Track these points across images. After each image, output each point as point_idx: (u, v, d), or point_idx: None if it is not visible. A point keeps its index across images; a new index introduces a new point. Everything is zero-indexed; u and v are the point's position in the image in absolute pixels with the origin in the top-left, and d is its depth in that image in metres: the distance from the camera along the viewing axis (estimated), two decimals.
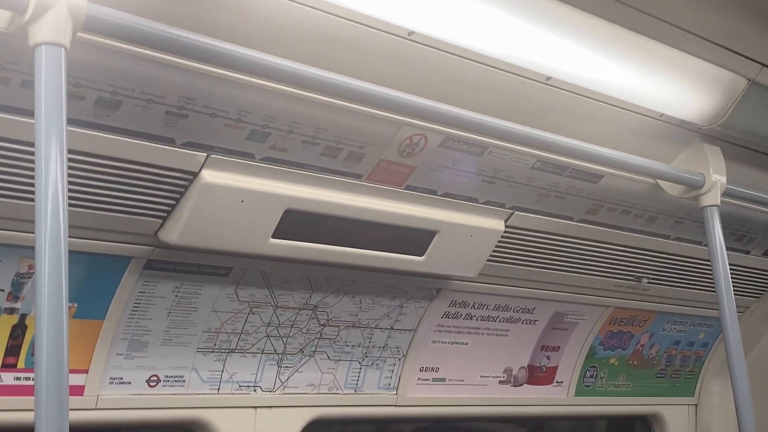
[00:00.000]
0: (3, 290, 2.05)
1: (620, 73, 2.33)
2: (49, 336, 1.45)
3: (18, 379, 2.13)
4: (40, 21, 1.46)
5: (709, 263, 2.79)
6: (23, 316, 2.10)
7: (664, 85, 2.44)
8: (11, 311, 2.08)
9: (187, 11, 1.73)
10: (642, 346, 3.62)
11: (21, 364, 2.13)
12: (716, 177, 2.69)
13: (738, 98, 2.52)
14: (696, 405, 3.97)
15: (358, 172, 2.26)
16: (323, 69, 1.90)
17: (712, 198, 2.70)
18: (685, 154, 2.75)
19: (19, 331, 2.11)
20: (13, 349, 2.11)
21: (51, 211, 1.47)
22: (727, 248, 2.77)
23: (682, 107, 2.53)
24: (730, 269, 2.77)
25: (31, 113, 1.54)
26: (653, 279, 3.25)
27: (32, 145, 1.50)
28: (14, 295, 2.07)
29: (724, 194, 2.73)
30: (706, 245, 2.78)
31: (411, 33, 2.00)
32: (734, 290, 2.76)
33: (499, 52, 2.13)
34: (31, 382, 2.13)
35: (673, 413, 3.87)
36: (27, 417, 2.09)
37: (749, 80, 2.49)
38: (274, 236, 2.20)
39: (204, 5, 1.76)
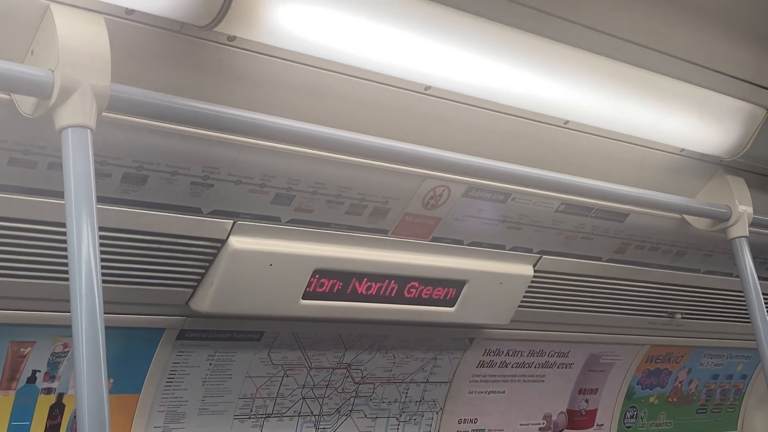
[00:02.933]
0: (40, 371, 2.06)
1: (638, 111, 2.34)
2: (91, 415, 1.44)
3: None
4: (65, 105, 1.49)
5: (741, 294, 2.76)
6: (60, 396, 2.10)
7: (683, 120, 2.44)
8: (49, 391, 2.09)
9: (205, 83, 1.76)
10: (680, 382, 3.57)
11: None
12: (743, 208, 2.68)
13: (758, 129, 2.52)
14: None
15: (384, 228, 2.27)
16: (343, 129, 1.91)
17: (740, 229, 2.68)
18: (709, 187, 2.74)
19: (57, 410, 2.11)
20: (52, 429, 2.11)
21: (86, 290, 1.47)
22: (762, 278, 2.74)
23: (702, 141, 2.53)
24: (764, 298, 2.74)
25: (59, 194, 1.56)
26: (687, 314, 3.22)
27: (61, 225, 1.52)
28: (51, 375, 2.07)
29: (752, 224, 2.71)
30: (737, 276, 2.75)
31: (428, 88, 2.02)
32: None
33: (515, 99, 2.14)
34: None
35: None
36: None
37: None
38: (304, 297, 2.20)
39: (222, 75, 1.78)
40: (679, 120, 2.42)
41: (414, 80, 1.99)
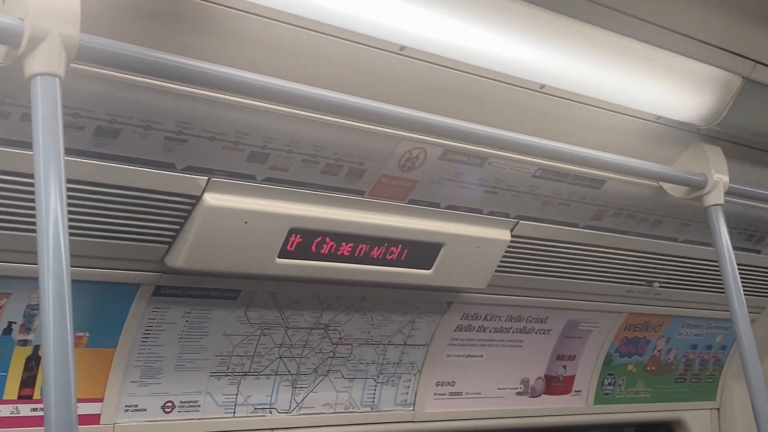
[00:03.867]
0: (16, 322, 2.08)
1: (614, 78, 2.35)
2: (57, 366, 1.46)
3: (35, 410, 2.16)
4: (35, 53, 1.50)
5: (718, 264, 2.79)
6: (36, 347, 2.13)
7: (660, 87, 2.45)
8: (24, 343, 2.11)
9: (180, 36, 1.77)
10: (659, 351, 3.61)
11: (37, 395, 2.15)
12: (718, 176, 2.70)
13: (734, 97, 2.53)
14: (718, 409, 3.94)
15: (360, 189, 2.29)
16: (318, 88, 1.93)
17: (716, 197, 2.70)
18: (686, 155, 2.76)
19: (33, 362, 2.13)
20: (28, 381, 2.14)
21: (52, 240, 1.49)
22: (738, 248, 2.77)
23: (679, 109, 2.55)
24: (742, 270, 2.77)
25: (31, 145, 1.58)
26: (664, 283, 3.25)
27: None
28: (27, 327, 2.10)
29: (728, 193, 2.73)
30: (713, 246, 2.78)
31: (402, 48, 2.04)
32: (747, 291, 2.76)
33: (491, 62, 2.16)
34: None
35: (696, 418, 3.84)
36: None
37: (744, 78, 2.50)
38: (280, 256, 2.23)
39: (197, 30, 1.80)
40: (655, 87, 2.44)
41: (389, 40, 2.01)
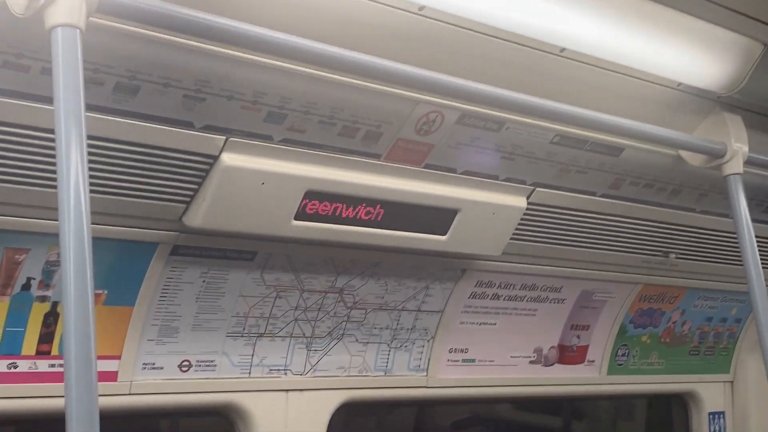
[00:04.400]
0: (35, 278, 2.10)
1: (635, 42, 2.34)
2: (77, 322, 1.47)
3: (53, 366, 2.18)
4: (55, 4, 1.51)
5: (736, 236, 2.78)
6: (55, 304, 2.15)
7: (681, 53, 2.44)
8: (43, 299, 2.13)
9: None
10: (674, 323, 3.61)
11: (55, 351, 2.18)
12: (737, 145, 2.68)
13: (755, 64, 2.51)
14: (732, 382, 3.95)
15: (377, 152, 2.29)
16: (337, 46, 1.92)
17: (735, 166, 2.68)
18: (706, 123, 2.74)
19: (51, 318, 2.16)
20: (46, 337, 2.16)
21: (73, 196, 1.50)
22: (756, 220, 2.75)
23: (699, 75, 2.53)
24: (760, 241, 2.75)
25: (52, 100, 1.59)
26: (681, 254, 3.24)
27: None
28: (45, 283, 2.12)
29: (747, 162, 2.72)
30: (732, 217, 2.77)
31: (422, 8, 2.03)
32: (765, 263, 2.75)
33: (511, 24, 2.14)
34: None
35: (709, 390, 3.85)
36: (62, 403, 2.15)
37: (765, 45, 2.48)
38: (296, 218, 2.24)
39: None
40: (677, 52, 2.42)
41: None
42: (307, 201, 2.23)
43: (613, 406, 4.36)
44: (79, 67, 1.52)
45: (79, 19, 1.52)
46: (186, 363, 2.40)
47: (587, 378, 3.38)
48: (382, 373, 2.81)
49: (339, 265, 2.57)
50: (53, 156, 1.81)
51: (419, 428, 3.92)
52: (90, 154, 1.56)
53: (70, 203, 1.50)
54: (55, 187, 1.87)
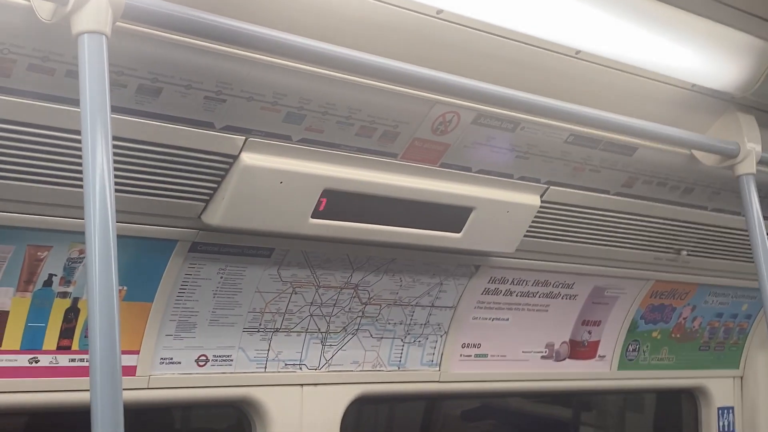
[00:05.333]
0: (56, 275, 2.14)
1: (650, 44, 2.35)
2: (102, 318, 1.51)
3: (73, 360, 2.22)
4: (82, 11, 1.54)
5: (747, 233, 2.79)
6: (76, 300, 2.18)
7: (695, 55, 2.45)
8: (64, 295, 2.17)
9: None
10: (684, 318, 3.63)
11: (75, 346, 2.21)
12: (751, 145, 2.70)
13: None
14: (741, 377, 3.97)
15: (393, 151, 2.31)
16: (355, 50, 1.95)
17: (748, 166, 2.70)
18: (719, 123, 2.76)
19: (72, 314, 2.19)
20: (67, 332, 2.20)
21: (99, 195, 1.53)
22: (766, 218, 2.77)
23: (714, 77, 2.54)
24: None
25: (76, 102, 1.62)
26: (692, 251, 3.26)
27: (78, 132, 1.57)
28: (66, 280, 2.15)
29: (760, 162, 2.73)
30: (743, 215, 2.78)
31: (440, 11, 2.05)
32: None
33: (528, 27, 2.16)
34: (85, 364, 2.22)
35: (718, 386, 3.87)
36: (82, 397, 2.17)
37: None
38: (313, 216, 2.26)
39: None
40: (691, 54, 2.43)
41: (426, 3, 2.02)
42: (325, 199, 2.25)
43: (622, 400, 4.38)
44: (105, 72, 1.55)
45: (105, 26, 1.54)
46: (203, 358, 2.44)
47: (598, 373, 3.40)
48: (396, 368, 2.85)
49: (355, 262, 2.60)
50: (76, 156, 1.86)
51: (429, 418, 3.95)
52: (113, 154, 1.59)
53: (95, 202, 1.53)
54: (77, 186, 1.93)
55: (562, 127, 2.46)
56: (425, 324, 2.88)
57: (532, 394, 3.53)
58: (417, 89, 2.15)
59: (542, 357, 3.23)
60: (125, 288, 2.23)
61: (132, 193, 2.05)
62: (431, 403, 3.84)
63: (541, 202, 2.67)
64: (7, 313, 2.10)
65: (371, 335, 2.77)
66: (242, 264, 2.40)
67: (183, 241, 2.25)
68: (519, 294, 3.05)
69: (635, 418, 4.45)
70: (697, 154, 2.76)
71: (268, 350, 2.56)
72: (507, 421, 4.32)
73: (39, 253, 2.08)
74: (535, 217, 2.69)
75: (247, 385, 2.52)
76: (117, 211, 1.57)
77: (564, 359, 3.29)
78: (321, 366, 2.67)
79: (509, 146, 2.47)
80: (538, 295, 3.10)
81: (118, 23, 1.63)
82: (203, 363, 2.44)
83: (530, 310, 3.12)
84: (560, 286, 3.14)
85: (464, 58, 2.18)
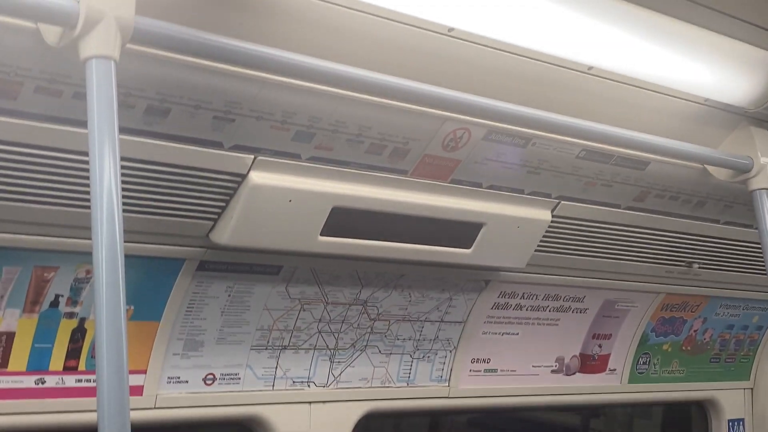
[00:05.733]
0: (63, 295, 2.11)
1: (663, 59, 2.33)
2: (109, 338, 1.50)
3: (79, 381, 2.20)
4: (90, 35, 1.51)
5: (759, 246, 2.77)
6: (82, 320, 2.16)
7: (708, 69, 2.43)
8: (71, 315, 2.14)
9: (230, 17, 1.77)
10: (695, 331, 3.60)
11: (82, 366, 2.19)
12: (765, 160, 2.67)
13: None
14: (752, 389, 3.94)
15: (404, 168, 2.29)
16: (365, 69, 1.92)
17: (762, 181, 2.67)
18: (732, 138, 2.73)
19: (79, 334, 2.17)
20: (73, 353, 2.17)
21: (107, 217, 1.52)
22: None
23: (727, 91, 2.52)
24: None
25: (83, 123, 1.59)
26: (704, 264, 3.23)
27: (86, 154, 1.55)
28: (73, 300, 2.13)
29: None
30: (756, 228, 2.75)
31: (451, 30, 2.02)
32: None
33: (540, 43, 2.14)
34: (92, 384, 2.19)
35: (729, 397, 3.84)
36: (89, 417, 2.17)
37: None
38: (322, 234, 2.24)
39: (247, 12, 1.79)
40: (703, 69, 2.41)
41: (437, 21, 1.99)
42: (334, 217, 2.23)
43: (631, 411, 4.36)
44: (113, 96, 1.53)
45: (113, 50, 1.52)
46: (210, 376, 2.41)
47: (608, 387, 3.38)
48: (405, 384, 2.82)
49: (363, 278, 2.58)
50: (83, 177, 1.84)
51: (437, 426, 3.93)
52: (120, 174, 1.57)
53: (103, 223, 1.52)
54: (83, 206, 1.91)
55: (574, 142, 2.44)
56: (434, 339, 2.85)
57: (542, 408, 3.50)
58: (428, 107, 2.12)
59: (552, 371, 3.20)
60: (132, 307, 2.21)
61: (140, 213, 2.02)
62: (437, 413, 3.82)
63: (552, 216, 2.65)
64: (13, 334, 2.07)
65: (380, 351, 2.74)
66: (250, 282, 2.38)
67: (191, 260, 2.23)
68: (529, 308, 3.02)
69: (645, 428, 4.42)
70: (710, 168, 2.73)
71: (276, 368, 2.53)
72: (514, 428, 4.31)
73: (45, 274, 2.06)
74: (546, 231, 2.67)
75: (255, 403, 2.50)
76: (125, 231, 1.55)
77: (574, 373, 3.26)
78: (329, 383, 2.65)
79: (520, 161, 2.44)
80: (548, 309, 3.07)
81: (127, 46, 1.60)
82: (211, 382, 2.42)
83: (540, 324, 3.10)
84: (571, 299, 3.11)
85: (476, 75, 2.16)
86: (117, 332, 1.50)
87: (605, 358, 3.34)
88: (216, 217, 2.13)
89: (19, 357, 2.10)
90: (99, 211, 1.52)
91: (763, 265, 2.78)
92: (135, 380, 2.27)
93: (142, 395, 2.29)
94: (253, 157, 2.05)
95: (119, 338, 1.50)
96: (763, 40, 2.39)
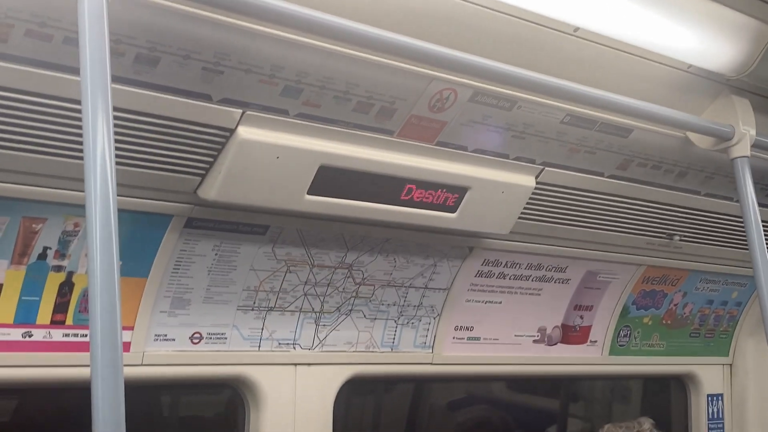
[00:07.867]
0: (51, 248, 2.12)
1: (647, 23, 2.35)
2: (103, 292, 1.51)
3: (66, 335, 2.20)
4: None
5: (740, 220, 2.80)
6: (70, 274, 2.17)
7: (692, 35, 2.45)
8: (59, 269, 2.15)
9: None
10: (675, 305, 3.64)
11: (69, 320, 2.20)
12: (745, 128, 2.70)
13: (765, 47, 2.53)
14: (731, 365, 3.99)
15: (390, 128, 2.30)
16: (353, 21, 1.94)
17: (742, 149, 2.70)
18: (714, 106, 2.76)
19: (66, 288, 2.18)
20: (61, 306, 2.18)
21: (100, 167, 1.52)
22: (763, 205, 2.77)
23: (710, 57, 2.54)
24: (766, 225, 2.78)
25: (74, 70, 1.60)
26: (685, 236, 3.26)
27: (76, 102, 1.56)
28: (61, 253, 2.13)
29: (754, 146, 2.73)
30: (737, 201, 2.78)
31: None
32: None
33: (526, 2, 2.16)
34: (79, 339, 2.20)
35: (708, 373, 3.89)
36: (76, 372, 2.18)
37: None
38: (309, 192, 2.25)
39: None
40: (688, 33, 2.43)
41: None
42: (321, 175, 2.24)
43: (610, 389, 4.39)
44: (105, 34, 1.54)
45: None
46: (197, 335, 2.43)
47: (589, 358, 3.41)
48: (389, 349, 2.84)
49: (349, 241, 2.60)
50: (73, 126, 1.85)
51: (418, 405, 3.94)
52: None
53: (96, 173, 1.52)
54: (72, 156, 1.92)
55: (559, 106, 2.46)
56: (419, 306, 2.88)
57: (523, 378, 3.53)
58: (414, 64, 2.14)
59: (534, 341, 3.23)
60: (120, 263, 2.20)
61: (128, 165, 2.03)
62: (420, 389, 3.83)
63: (536, 183, 2.67)
64: (1, 285, 2.08)
65: (365, 316, 2.76)
66: (237, 241, 2.39)
67: (178, 216, 2.24)
68: (512, 277, 3.05)
69: (623, 405, 4.46)
70: (692, 136, 2.76)
71: (263, 329, 2.55)
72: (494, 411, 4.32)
73: (34, 225, 2.07)
74: (530, 198, 2.69)
75: (241, 363, 2.51)
76: None
77: (556, 344, 3.29)
78: (315, 346, 2.66)
79: (505, 125, 2.46)
80: (531, 279, 3.10)
81: None
82: (197, 340, 2.43)
83: (523, 293, 3.12)
84: (553, 269, 3.14)
85: (462, 34, 2.17)
86: (110, 286, 1.51)
87: (587, 330, 3.37)
88: (204, 172, 2.14)
89: (7, 309, 2.10)
90: (92, 158, 1.52)
91: (743, 241, 2.80)
92: (123, 337, 2.27)
93: (129, 351, 2.30)
94: (241, 111, 2.06)
95: (112, 292, 1.51)
96: (747, 7, 2.42)
